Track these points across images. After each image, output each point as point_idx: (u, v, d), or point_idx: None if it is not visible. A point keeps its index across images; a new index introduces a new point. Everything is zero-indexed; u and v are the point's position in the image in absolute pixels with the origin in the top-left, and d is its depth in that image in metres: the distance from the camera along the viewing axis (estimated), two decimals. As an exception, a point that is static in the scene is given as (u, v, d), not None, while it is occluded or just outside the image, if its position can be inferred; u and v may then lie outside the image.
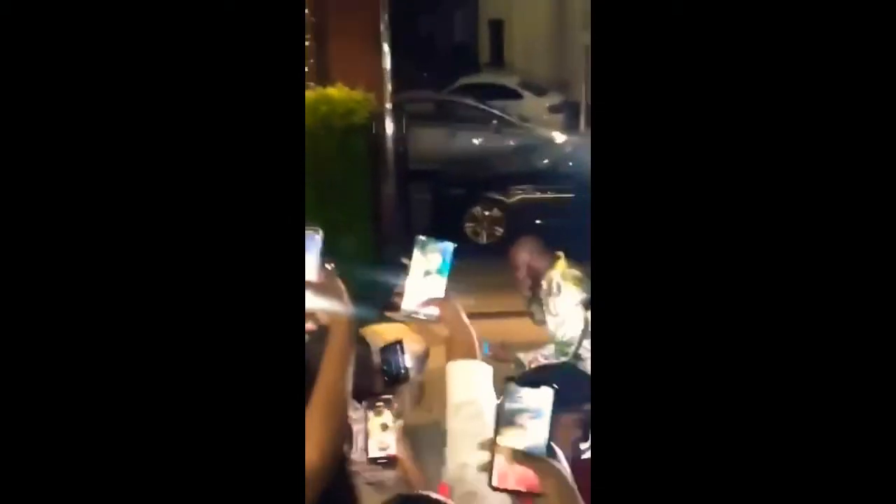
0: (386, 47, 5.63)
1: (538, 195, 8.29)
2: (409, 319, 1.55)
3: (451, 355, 1.52)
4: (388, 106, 5.67)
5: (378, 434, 2.58)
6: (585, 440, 3.85)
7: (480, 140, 10.98)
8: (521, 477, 1.23)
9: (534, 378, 1.52)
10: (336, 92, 5.28)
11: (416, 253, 1.55)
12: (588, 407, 3.85)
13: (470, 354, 1.52)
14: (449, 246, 1.56)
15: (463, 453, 1.42)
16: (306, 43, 7.77)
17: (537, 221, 7.95)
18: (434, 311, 1.53)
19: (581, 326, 3.76)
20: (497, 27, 14.88)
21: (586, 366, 3.82)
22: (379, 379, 2.62)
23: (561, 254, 3.95)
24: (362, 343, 2.60)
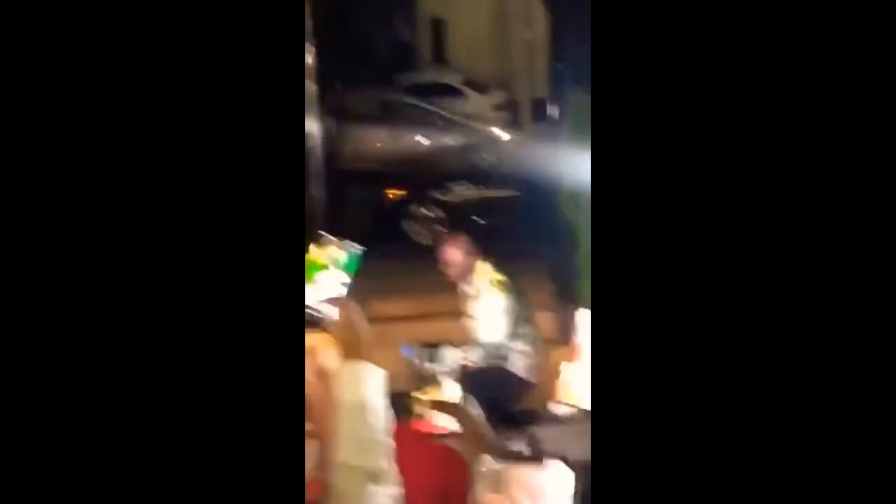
0: (311, 47, 5.45)
1: (481, 194, 8.22)
2: (308, 316, 1.52)
3: (343, 356, 1.51)
4: (315, 105, 5.48)
5: None
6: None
7: (424, 139, 10.88)
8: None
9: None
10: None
11: (326, 252, 1.58)
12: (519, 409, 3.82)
13: (359, 356, 1.50)
14: (358, 249, 1.59)
15: (347, 455, 1.42)
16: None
17: (480, 221, 7.87)
18: (333, 310, 1.52)
19: (504, 331, 3.70)
20: (438, 25, 14.79)
21: (513, 366, 3.76)
22: None
23: (481, 258, 3.88)
24: None
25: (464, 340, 3.84)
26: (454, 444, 2.04)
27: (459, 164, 9.15)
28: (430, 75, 13.24)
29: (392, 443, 1.46)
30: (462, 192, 8.32)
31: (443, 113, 11.15)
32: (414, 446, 2.02)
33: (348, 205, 8.17)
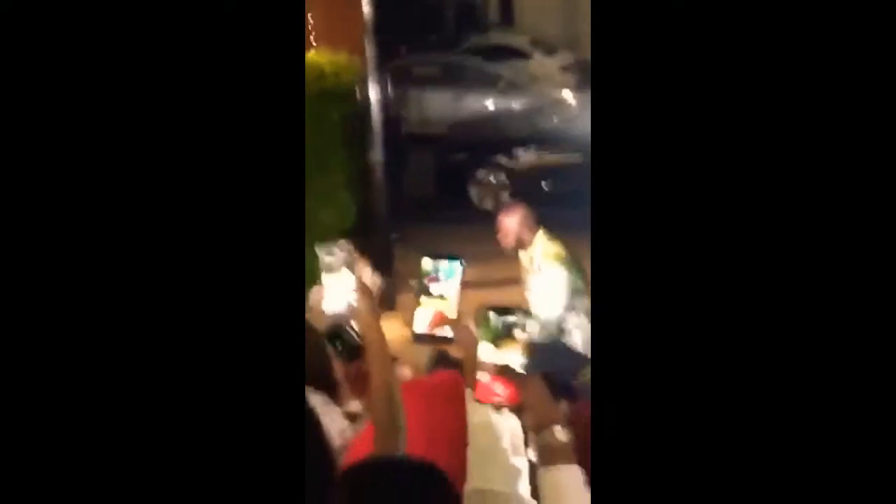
0: (370, 8, 5.32)
1: (547, 159, 8.04)
2: (425, 342, 1.53)
3: (468, 380, 1.52)
4: (377, 70, 5.37)
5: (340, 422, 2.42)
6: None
7: (488, 102, 10.70)
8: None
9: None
10: (314, 56, 5.02)
11: (424, 269, 1.55)
12: (578, 381, 3.71)
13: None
14: (457, 264, 1.53)
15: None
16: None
17: (544, 186, 7.71)
18: (448, 332, 1.52)
19: (563, 305, 3.58)
20: (506, -15, 14.50)
21: (570, 339, 3.64)
22: (335, 363, 2.46)
23: (541, 229, 3.75)
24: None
25: (522, 312, 3.74)
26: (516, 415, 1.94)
27: (525, 128, 8.94)
28: (495, 37, 13.00)
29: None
30: (527, 157, 8.16)
31: (508, 76, 10.95)
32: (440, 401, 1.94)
33: (411, 170, 8.10)
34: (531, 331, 3.60)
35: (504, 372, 2.58)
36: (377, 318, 1.50)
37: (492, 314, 3.53)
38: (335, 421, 2.41)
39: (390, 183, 5.75)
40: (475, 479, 1.45)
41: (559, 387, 3.61)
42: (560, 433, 1.58)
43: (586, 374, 3.80)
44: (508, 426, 1.46)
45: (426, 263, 1.47)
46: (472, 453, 1.53)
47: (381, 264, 5.27)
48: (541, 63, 11.94)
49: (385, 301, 5.07)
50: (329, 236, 3.30)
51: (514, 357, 3.37)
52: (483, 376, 1.31)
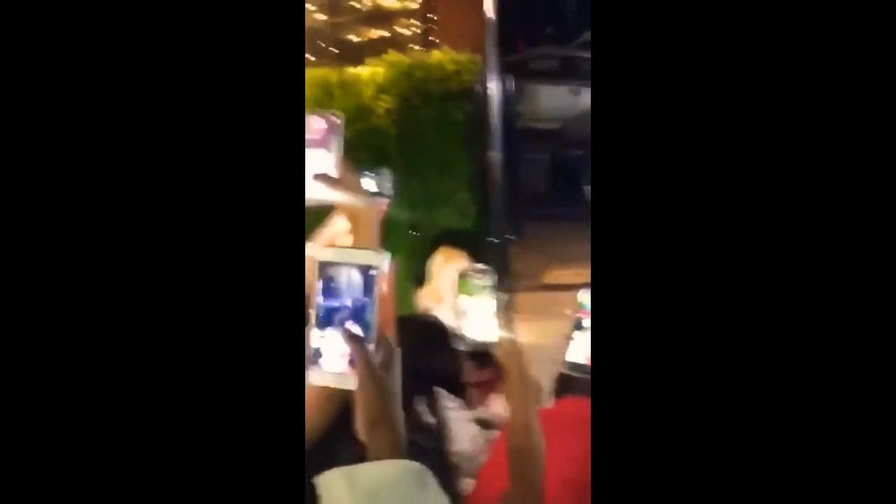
0: (492, 6, 5.30)
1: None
2: (578, 372, 1.48)
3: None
4: (497, 67, 5.35)
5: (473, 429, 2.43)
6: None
7: (605, 97, 10.51)
8: None
9: None
10: (438, 56, 5.05)
11: (580, 302, 1.47)
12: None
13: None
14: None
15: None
16: (415, 6, 7.61)
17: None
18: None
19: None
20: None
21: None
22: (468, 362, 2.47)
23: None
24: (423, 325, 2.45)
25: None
26: None
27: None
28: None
29: None
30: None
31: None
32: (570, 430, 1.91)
33: (526, 165, 8.06)
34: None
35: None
36: (520, 350, 1.49)
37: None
38: (465, 427, 2.42)
39: (508, 181, 5.74)
40: None
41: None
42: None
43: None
44: None
45: (583, 297, 1.44)
46: None
47: (499, 265, 5.29)
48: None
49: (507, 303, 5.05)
50: (439, 236, 3.31)
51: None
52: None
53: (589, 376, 1.46)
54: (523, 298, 5.37)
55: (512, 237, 5.65)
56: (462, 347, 1.46)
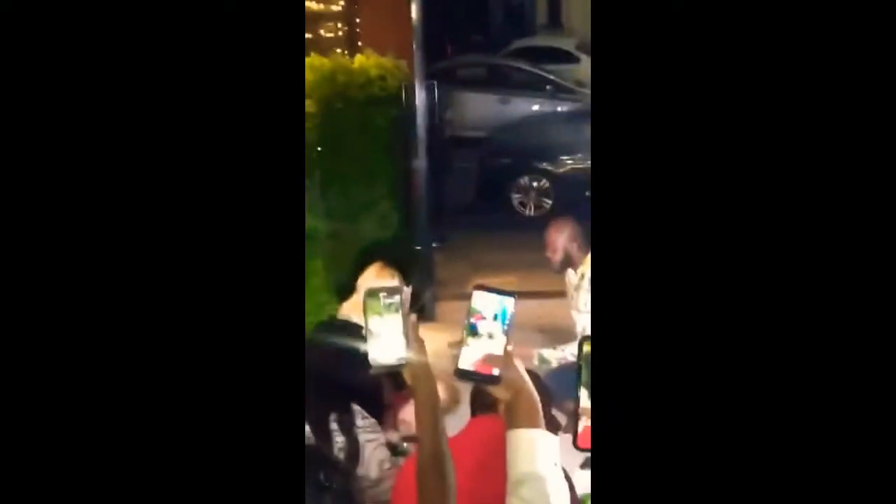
0: (417, 11, 5.23)
1: (589, 166, 7.90)
2: (468, 379, 1.38)
3: (512, 422, 1.37)
4: (422, 73, 5.28)
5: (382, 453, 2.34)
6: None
7: (534, 106, 10.58)
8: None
9: None
10: (362, 60, 4.95)
11: (473, 306, 1.38)
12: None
13: (534, 423, 1.36)
14: (508, 299, 1.39)
15: None
16: (337, 8, 7.50)
17: (587, 193, 7.57)
18: (496, 371, 1.36)
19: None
20: (555, -13, 14.33)
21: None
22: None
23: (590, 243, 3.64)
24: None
25: (566, 336, 3.62)
26: None
27: (569, 132, 8.80)
28: (542, 39, 12.87)
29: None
30: (571, 162, 8.03)
31: (554, 78, 10.82)
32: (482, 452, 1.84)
33: (453, 175, 8.02)
34: (565, 354, 3.47)
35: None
36: (429, 373, 1.41)
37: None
38: (375, 451, 2.34)
39: (433, 189, 5.67)
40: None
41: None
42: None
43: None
44: (547, 445, 1.36)
45: (476, 300, 1.37)
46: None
47: (423, 273, 5.21)
48: (588, 67, 11.81)
49: (426, 312, 5.00)
50: (371, 249, 3.25)
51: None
52: (585, 421, 1.22)
53: (477, 382, 1.41)
54: (447, 307, 5.31)
55: (437, 245, 5.58)
56: (371, 370, 1.37)
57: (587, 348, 1.30)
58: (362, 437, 2.33)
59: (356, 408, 2.36)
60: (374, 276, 2.63)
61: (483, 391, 1.66)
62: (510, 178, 8.15)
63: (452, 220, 7.20)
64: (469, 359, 1.34)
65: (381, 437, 2.37)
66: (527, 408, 1.36)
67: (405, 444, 2.49)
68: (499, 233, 7.30)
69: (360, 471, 2.29)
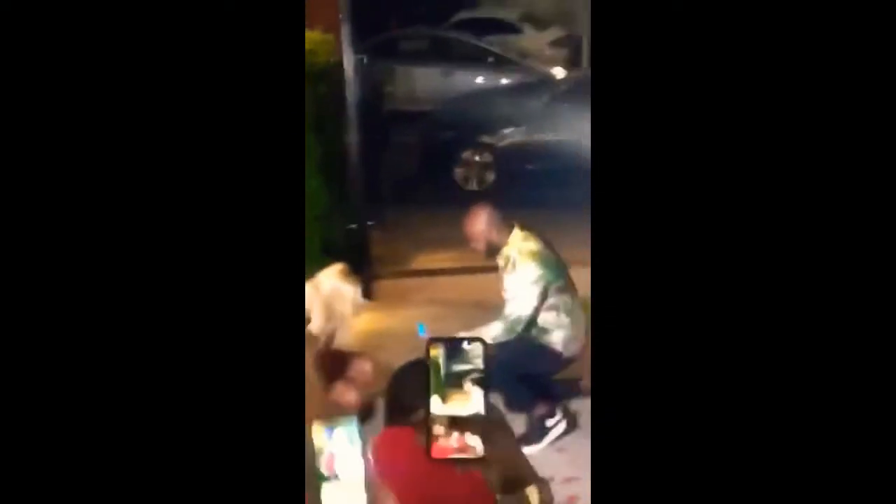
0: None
1: (534, 138, 7.83)
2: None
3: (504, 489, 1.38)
4: (352, 47, 5.14)
5: None
6: (551, 417, 3.52)
7: (477, 79, 10.48)
8: (460, 444, 1.25)
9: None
10: (287, 34, 4.79)
11: (439, 359, 1.28)
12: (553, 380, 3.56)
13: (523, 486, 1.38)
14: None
15: None
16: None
17: (528, 167, 7.52)
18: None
19: (534, 304, 3.41)
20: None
21: (549, 339, 3.48)
22: None
23: (516, 226, 3.57)
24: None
25: (488, 320, 3.54)
26: (480, 471, 1.74)
27: (512, 105, 8.71)
28: (485, 10, 12.73)
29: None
30: (513, 135, 7.96)
31: (496, 50, 10.72)
32: (432, 477, 1.74)
33: (393, 150, 7.90)
34: (494, 333, 3.41)
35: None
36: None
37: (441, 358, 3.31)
38: None
39: (370, 165, 5.55)
40: None
41: (534, 389, 3.46)
42: (534, 497, 1.43)
43: (565, 374, 3.65)
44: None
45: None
46: None
47: (359, 251, 5.12)
48: (531, 38, 11.72)
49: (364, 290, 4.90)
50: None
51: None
52: (438, 429, 1.15)
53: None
54: (383, 285, 5.22)
55: (372, 223, 5.48)
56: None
57: (434, 352, 1.24)
58: None
59: None
60: (336, 277, 2.55)
61: (401, 402, 1.62)
62: (452, 153, 8.05)
63: (393, 196, 7.08)
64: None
65: None
66: (515, 477, 1.36)
67: None
68: (440, 208, 7.21)
69: None
